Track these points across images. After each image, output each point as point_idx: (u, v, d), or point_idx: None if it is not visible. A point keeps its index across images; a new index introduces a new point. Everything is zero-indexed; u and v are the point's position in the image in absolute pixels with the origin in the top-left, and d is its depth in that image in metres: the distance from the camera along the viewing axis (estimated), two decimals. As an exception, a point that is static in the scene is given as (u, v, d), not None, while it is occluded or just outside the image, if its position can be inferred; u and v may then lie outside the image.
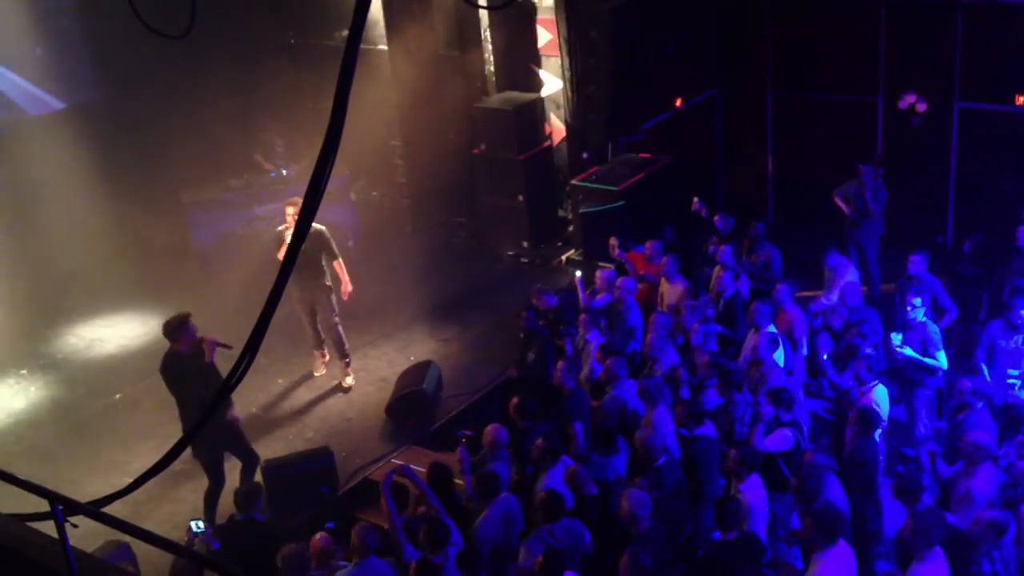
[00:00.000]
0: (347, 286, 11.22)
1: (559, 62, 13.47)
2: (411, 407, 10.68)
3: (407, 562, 7.16)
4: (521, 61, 14.18)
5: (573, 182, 13.45)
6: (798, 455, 8.10)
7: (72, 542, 3.97)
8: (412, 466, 8.68)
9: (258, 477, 9.44)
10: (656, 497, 7.41)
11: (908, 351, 9.20)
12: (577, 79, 13.11)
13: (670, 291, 11.00)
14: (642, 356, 9.89)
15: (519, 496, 8.05)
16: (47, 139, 13.25)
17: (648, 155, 13.52)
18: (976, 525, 6.91)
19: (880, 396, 8.54)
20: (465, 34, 14.00)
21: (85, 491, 9.53)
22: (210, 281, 13.44)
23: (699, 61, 13.39)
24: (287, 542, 7.37)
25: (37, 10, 13.44)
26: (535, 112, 14.28)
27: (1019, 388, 9.15)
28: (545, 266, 13.98)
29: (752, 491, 7.70)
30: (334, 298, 11.31)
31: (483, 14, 13.71)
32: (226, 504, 8.83)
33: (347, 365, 11.56)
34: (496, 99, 14.25)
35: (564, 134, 14.23)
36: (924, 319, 9.28)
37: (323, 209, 3.75)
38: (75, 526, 3.96)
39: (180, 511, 9.60)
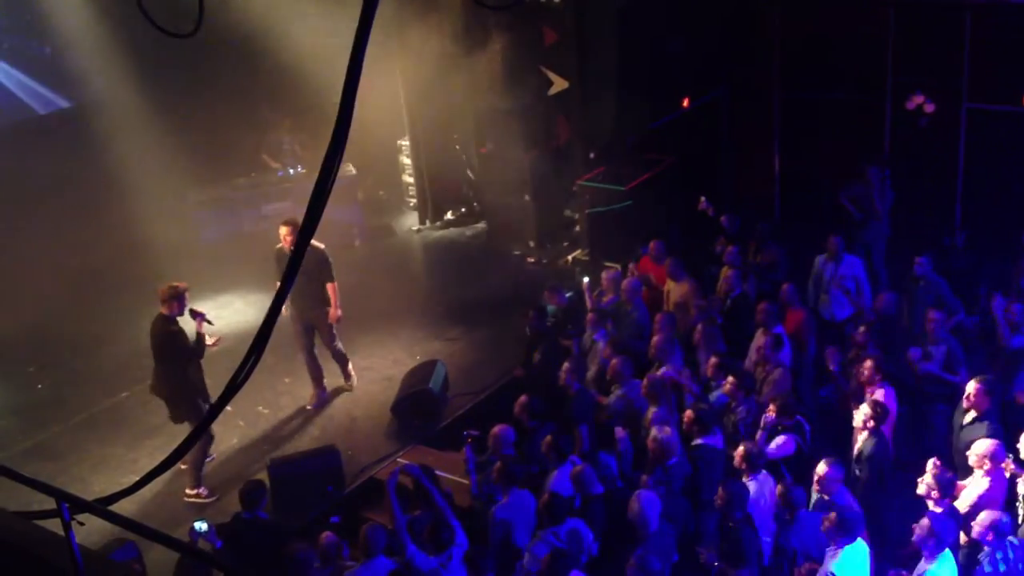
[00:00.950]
0: (336, 311, 10.90)
1: (566, 62, 13.48)
2: (417, 406, 10.68)
3: (408, 560, 7.17)
4: (528, 60, 14.18)
5: (580, 182, 13.44)
6: (801, 460, 8.07)
7: (79, 539, 3.98)
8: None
9: (263, 475, 9.45)
10: (665, 497, 7.41)
11: (931, 366, 9.16)
12: (584, 79, 13.11)
13: (676, 290, 11.00)
14: (649, 356, 9.87)
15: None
16: (55, 137, 13.28)
17: (655, 155, 13.51)
18: (980, 527, 6.90)
19: (888, 399, 8.51)
20: (472, 33, 14.00)
21: (92, 489, 9.58)
22: (219, 279, 13.45)
23: (706, 61, 13.38)
24: (292, 540, 7.39)
25: (45, 8, 13.46)
26: (542, 112, 14.28)
27: None
28: (551, 266, 13.97)
29: (759, 488, 7.70)
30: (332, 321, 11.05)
31: (491, 13, 13.71)
32: (230, 503, 8.84)
33: (347, 379, 11.45)
34: (503, 98, 14.24)
35: (571, 134, 14.23)
36: (948, 334, 9.25)
37: (329, 208, 3.75)
38: (82, 524, 3.97)
39: (187, 509, 9.62)
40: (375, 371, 11.85)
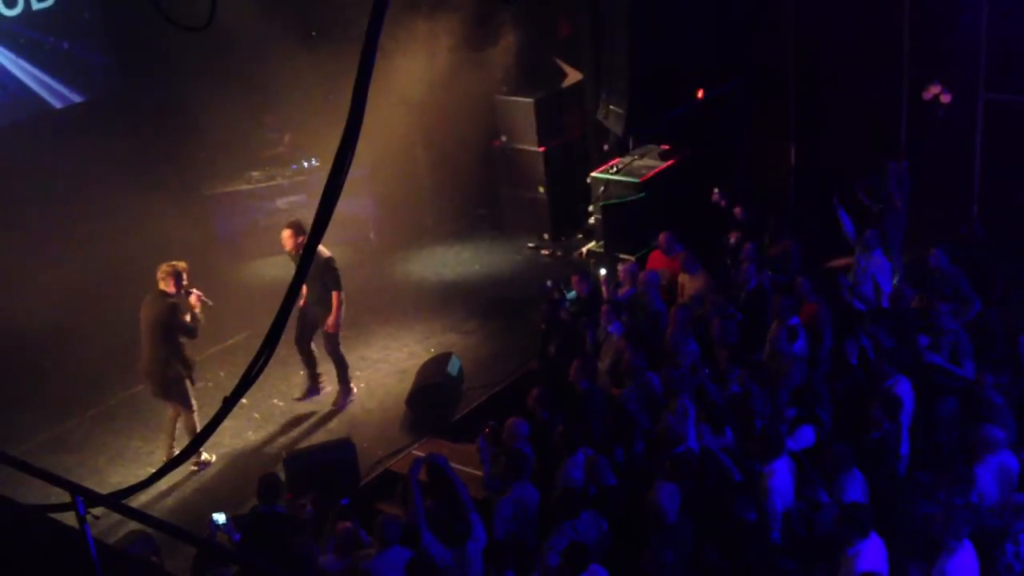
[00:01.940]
0: (333, 319, 10.66)
1: (581, 53, 13.44)
2: (432, 398, 10.69)
3: (424, 549, 7.18)
4: (542, 52, 14.14)
5: (594, 174, 13.41)
6: (820, 450, 8.04)
7: (97, 532, 3.99)
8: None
9: (279, 468, 9.47)
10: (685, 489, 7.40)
11: (936, 357, 9.12)
12: (598, 70, 13.07)
13: (690, 282, 10.97)
14: (663, 349, 9.85)
15: (539, 489, 8.07)
16: (70, 132, 13.30)
17: (670, 147, 13.47)
18: (1003, 510, 6.89)
19: (904, 391, 8.48)
20: (486, 25, 13.97)
21: (109, 481, 9.64)
22: (234, 272, 13.48)
23: (721, 52, 13.31)
24: (296, 534, 7.41)
25: (59, 3, 13.49)
26: (556, 103, 14.25)
27: None
28: (566, 258, 13.95)
29: (776, 475, 7.68)
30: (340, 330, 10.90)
31: (505, 4, 13.68)
32: (246, 495, 8.85)
33: (346, 392, 11.19)
34: (517, 90, 14.21)
35: (586, 126, 14.21)
36: (958, 326, 9.21)
37: (343, 203, 3.74)
38: (97, 517, 3.98)
39: (203, 501, 9.65)
40: (390, 363, 11.86)
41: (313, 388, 11.28)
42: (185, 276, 9.85)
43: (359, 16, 3.61)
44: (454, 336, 12.32)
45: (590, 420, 8.90)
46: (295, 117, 14.54)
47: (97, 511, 4.04)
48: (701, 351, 9.67)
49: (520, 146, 14.17)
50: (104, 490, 4.19)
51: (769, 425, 8.31)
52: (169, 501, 9.56)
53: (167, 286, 9.78)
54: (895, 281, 10.91)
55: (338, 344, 10.97)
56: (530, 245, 14.48)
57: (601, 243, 13.47)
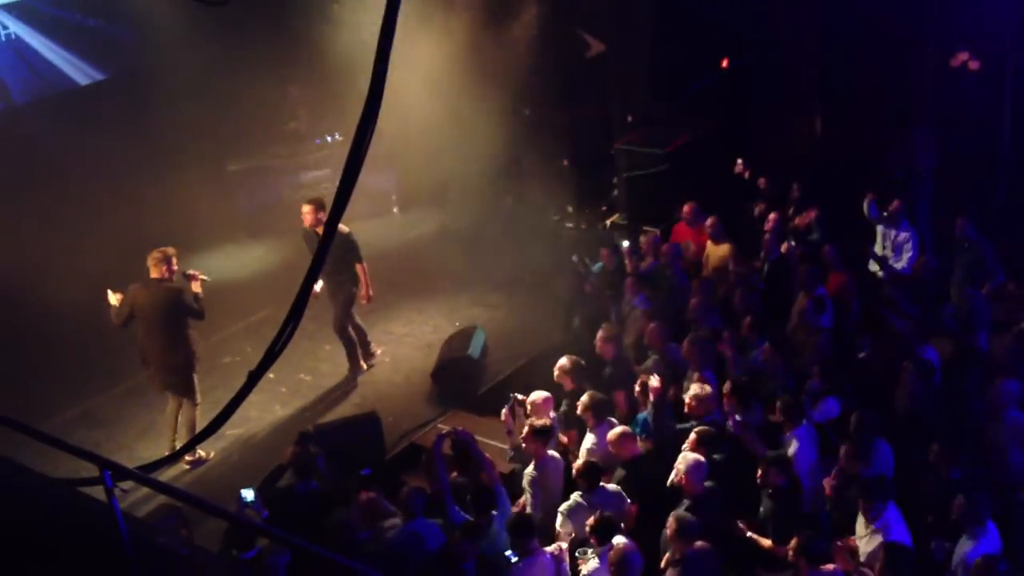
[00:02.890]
0: (367, 291, 10.81)
1: (604, 24, 13.35)
2: (457, 372, 10.72)
3: (451, 522, 7.22)
4: (567, 24, 14.05)
5: (618, 146, 13.35)
6: (846, 422, 8.00)
7: (127, 506, 4.04)
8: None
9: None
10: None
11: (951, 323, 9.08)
12: (622, 41, 12.98)
13: (715, 252, 10.93)
14: (687, 320, 9.82)
15: (565, 459, 8.12)
16: (94, 109, 13.35)
17: (694, 117, 13.37)
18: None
19: (933, 358, 8.43)
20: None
21: (138, 455, 9.72)
22: (258, 247, 13.53)
23: (745, 22, 13.18)
24: (336, 508, 7.45)
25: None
26: (580, 76, 14.16)
27: None
28: (590, 230, 13.91)
29: (801, 439, 7.67)
30: (350, 304, 10.95)
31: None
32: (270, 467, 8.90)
33: (353, 369, 11.22)
34: (542, 62, 14.12)
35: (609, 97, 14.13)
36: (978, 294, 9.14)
37: (366, 176, 3.73)
38: (124, 491, 4.02)
39: (231, 475, 9.73)
40: (415, 337, 11.90)
41: (368, 354, 11.32)
42: (175, 260, 9.68)
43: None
44: (479, 309, 12.34)
45: (616, 390, 8.91)
46: (318, 90, 14.52)
47: (125, 484, 4.08)
48: (725, 322, 9.64)
49: (545, 118, 14.09)
50: (133, 464, 4.23)
51: (791, 396, 8.28)
52: (197, 475, 9.64)
53: (159, 272, 9.59)
54: (919, 250, 10.81)
55: (347, 324, 10.98)
56: (554, 218, 14.44)
57: (625, 215, 13.41)
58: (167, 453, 9.76)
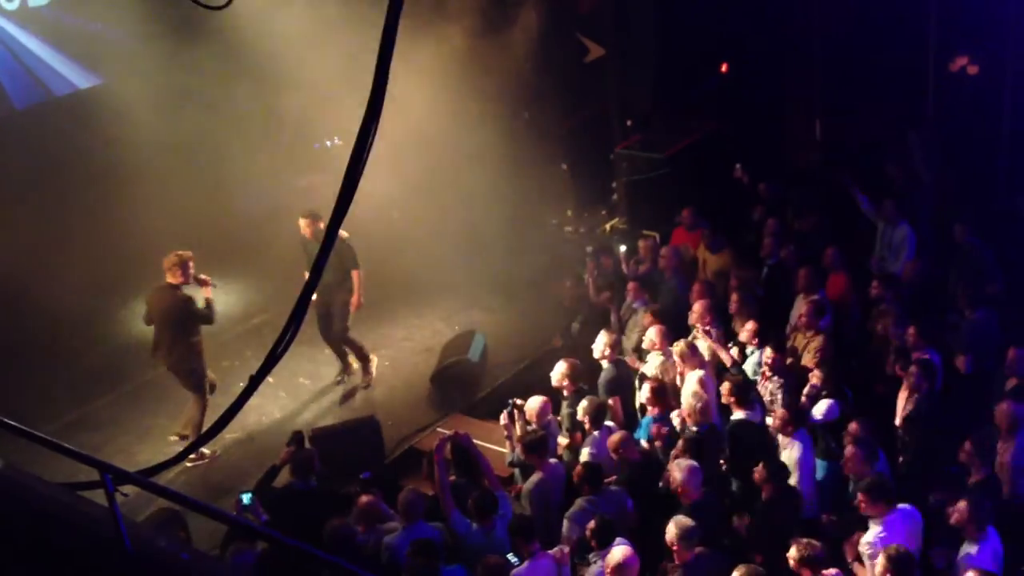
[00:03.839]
0: (358, 299, 10.86)
1: (603, 28, 13.34)
2: (456, 376, 10.72)
3: (453, 527, 7.21)
4: (565, 28, 14.05)
5: (618, 150, 13.35)
6: (844, 425, 8.00)
7: (124, 511, 4.02)
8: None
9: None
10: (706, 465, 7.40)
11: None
12: (621, 45, 12.98)
13: (713, 260, 10.92)
14: (688, 325, 9.82)
15: (565, 463, 8.11)
16: (98, 113, 13.30)
17: (694, 121, 13.37)
18: None
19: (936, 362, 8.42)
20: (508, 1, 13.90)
21: (137, 459, 9.71)
22: (256, 252, 13.50)
23: (745, 26, 13.19)
24: (335, 511, 7.43)
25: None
26: (579, 80, 14.16)
27: None
28: (590, 235, 13.90)
29: (795, 449, 7.67)
30: (349, 310, 10.98)
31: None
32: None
33: (344, 370, 11.36)
34: (540, 66, 14.13)
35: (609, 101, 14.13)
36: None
37: (366, 180, 3.73)
38: (125, 495, 4.01)
39: (229, 479, 9.72)
40: (414, 342, 11.90)
41: (365, 369, 11.30)
42: (191, 265, 9.77)
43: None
44: (478, 314, 12.33)
45: (613, 396, 8.91)
46: (315, 96, 14.49)
47: (126, 489, 4.07)
48: (724, 327, 9.65)
49: (544, 122, 14.08)
50: (132, 468, 4.21)
51: (791, 401, 8.29)
52: (196, 479, 9.63)
53: (174, 277, 9.74)
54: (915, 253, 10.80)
55: (348, 328, 11.01)
56: (553, 222, 14.43)
57: (624, 219, 13.41)
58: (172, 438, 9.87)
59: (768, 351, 8.73)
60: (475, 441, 8.16)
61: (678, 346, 8.82)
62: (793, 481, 7.59)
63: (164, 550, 3.94)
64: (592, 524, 6.87)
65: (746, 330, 9.22)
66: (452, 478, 7.85)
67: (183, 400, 10.83)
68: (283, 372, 10.66)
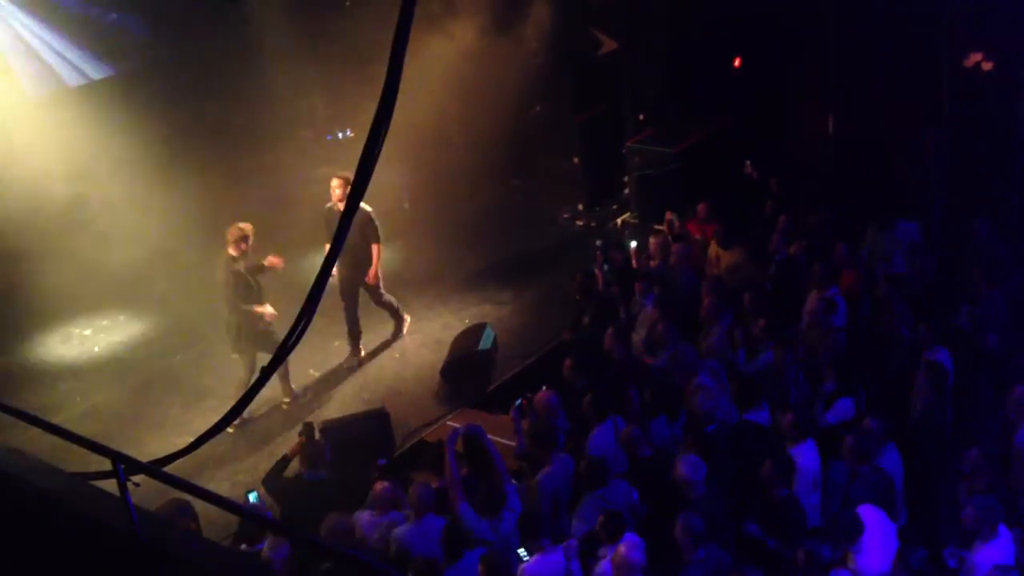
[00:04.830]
0: (375, 271, 11.12)
1: (616, 22, 13.31)
2: (466, 370, 10.73)
3: (460, 516, 7.21)
4: (578, 21, 14.03)
5: (629, 144, 13.33)
6: (859, 423, 7.97)
7: (135, 500, 4.03)
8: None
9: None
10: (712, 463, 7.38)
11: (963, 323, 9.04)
12: (634, 39, 12.95)
13: (727, 256, 10.89)
14: (698, 321, 9.81)
15: (573, 456, 8.10)
16: (110, 104, 13.33)
17: (705, 116, 13.34)
18: None
19: (944, 360, 8.39)
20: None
21: (148, 450, 9.71)
22: (268, 244, 13.50)
23: (758, 20, 13.15)
24: (344, 502, 7.45)
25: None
26: (592, 73, 14.14)
27: None
28: (601, 229, 13.90)
29: (803, 456, 7.63)
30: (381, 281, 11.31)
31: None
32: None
33: (398, 329, 11.76)
34: (552, 60, 14.11)
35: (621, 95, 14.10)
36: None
37: (378, 171, 3.72)
38: (137, 485, 4.03)
39: (240, 470, 9.76)
40: (425, 335, 11.90)
41: (357, 353, 11.49)
42: (251, 238, 10.12)
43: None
44: (488, 307, 12.34)
45: (624, 390, 8.89)
46: (330, 86, 14.52)
47: (137, 478, 4.08)
48: (735, 323, 9.62)
49: (555, 116, 14.06)
50: (142, 459, 4.22)
51: (801, 404, 8.25)
52: (205, 470, 9.66)
53: (235, 249, 10.06)
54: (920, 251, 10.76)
55: (382, 292, 11.38)
56: (564, 215, 14.43)
57: (635, 213, 13.40)
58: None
59: (776, 346, 8.72)
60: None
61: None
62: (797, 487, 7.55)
63: (177, 540, 3.95)
64: (601, 518, 6.87)
65: (756, 327, 9.19)
66: (464, 472, 7.86)
67: (195, 391, 10.88)
68: (293, 364, 10.68)
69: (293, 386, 10.78)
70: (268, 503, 8.16)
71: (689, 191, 12.20)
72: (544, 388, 8.64)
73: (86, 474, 4.71)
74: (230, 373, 10.62)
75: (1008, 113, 12.11)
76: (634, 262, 11.23)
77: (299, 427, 8.70)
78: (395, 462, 9.55)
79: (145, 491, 4.22)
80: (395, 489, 7.68)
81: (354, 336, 11.46)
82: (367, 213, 10.78)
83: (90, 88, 13.77)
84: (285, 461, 8.35)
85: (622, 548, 6.49)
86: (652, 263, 11.04)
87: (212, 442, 4.80)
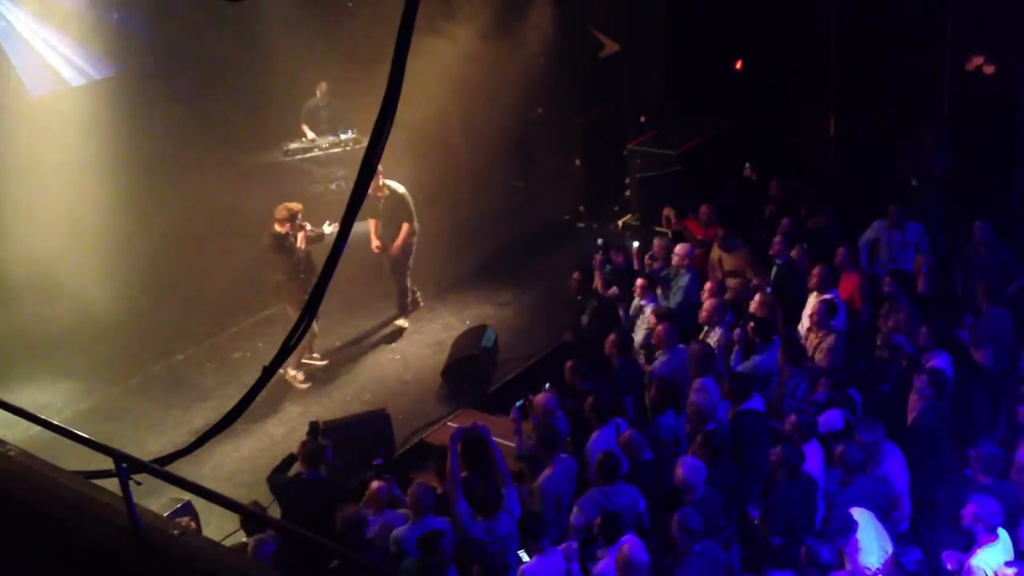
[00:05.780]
0: (399, 244, 11.59)
1: (618, 24, 13.32)
2: (467, 370, 10.73)
3: (457, 514, 7.21)
4: (579, 23, 14.04)
5: (630, 146, 13.34)
6: (848, 434, 7.97)
7: (136, 499, 4.04)
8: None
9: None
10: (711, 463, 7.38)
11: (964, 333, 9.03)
12: (635, 41, 12.96)
13: (730, 258, 10.88)
14: (699, 323, 9.81)
15: (574, 456, 8.11)
16: (112, 104, 13.34)
17: (707, 118, 13.33)
18: None
19: (945, 366, 8.38)
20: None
21: (148, 450, 9.73)
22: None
23: (760, 22, 13.15)
24: (345, 502, 7.45)
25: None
26: (593, 75, 14.15)
27: None
28: (602, 230, 13.90)
29: (808, 458, 7.64)
30: (411, 260, 11.79)
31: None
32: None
33: (403, 314, 12.07)
34: (554, 61, 14.12)
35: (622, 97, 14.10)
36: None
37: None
38: (139, 484, 4.03)
39: (240, 469, 9.76)
40: (426, 335, 11.92)
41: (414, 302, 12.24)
42: (299, 217, 10.69)
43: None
44: (489, 308, 12.35)
45: (623, 395, 8.89)
46: (332, 83, 14.54)
47: (139, 477, 4.08)
48: (736, 326, 9.62)
49: (557, 117, 14.07)
50: (143, 458, 4.22)
51: (801, 409, 8.25)
52: (207, 469, 9.66)
53: (283, 228, 10.63)
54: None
55: (405, 275, 11.82)
56: (566, 217, 14.43)
57: (637, 215, 13.40)
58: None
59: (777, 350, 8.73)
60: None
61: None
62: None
63: (178, 539, 3.95)
64: (599, 520, 6.87)
65: (749, 327, 9.20)
66: (465, 473, 7.86)
67: (196, 391, 10.89)
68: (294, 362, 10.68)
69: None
70: (269, 501, 8.17)
71: (691, 193, 12.19)
72: (545, 388, 8.64)
73: (88, 473, 4.71)
74: (231, 373, 10.63)
75: (1008, 114, 12.11)
76: (635, 263, 11.22)
77: (301, 430, 8.70)
78: (395, 463, 9.57)
79: (145, 491, 4.22)
80: (391, 488, 7.67)
81: (403, 306, 11.99)
82: (401, 194, 11.51)
83: (90, 88, 13.77)
84: (291, 459, 8.36)
85: (625, 548, 6.49)
86: (655, 265, 11.03)
87: (213, 441, 4.79)
